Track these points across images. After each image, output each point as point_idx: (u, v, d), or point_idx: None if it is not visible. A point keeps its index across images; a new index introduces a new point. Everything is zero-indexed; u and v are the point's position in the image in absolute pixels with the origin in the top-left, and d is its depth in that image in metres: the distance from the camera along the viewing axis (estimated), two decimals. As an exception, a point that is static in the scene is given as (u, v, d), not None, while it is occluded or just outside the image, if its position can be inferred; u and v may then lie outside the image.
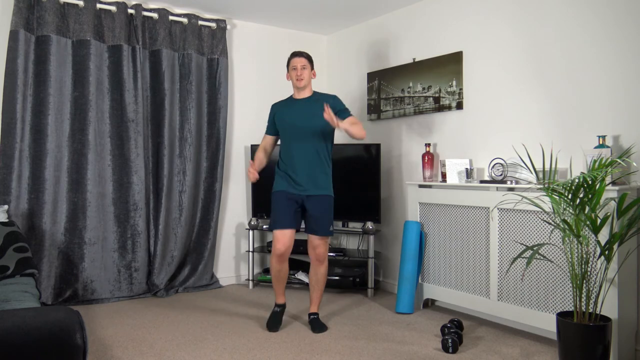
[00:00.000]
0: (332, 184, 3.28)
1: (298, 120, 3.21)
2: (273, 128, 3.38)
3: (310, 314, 3.31)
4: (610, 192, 2.59)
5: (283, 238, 3.17)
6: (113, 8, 3.85)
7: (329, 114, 2.91)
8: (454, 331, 2.92)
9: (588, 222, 2.44)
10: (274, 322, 3.25)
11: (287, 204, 3.20)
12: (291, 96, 3.35)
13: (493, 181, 3.23)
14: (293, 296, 4.06)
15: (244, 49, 4.62)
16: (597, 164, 2.45)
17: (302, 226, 3.34)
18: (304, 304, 3.83)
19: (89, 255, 3.77)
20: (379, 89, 4.39)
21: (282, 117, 3.29)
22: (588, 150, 2.83)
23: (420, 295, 3.70)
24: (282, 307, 3.34)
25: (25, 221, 3.56)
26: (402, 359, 2.73)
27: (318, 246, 3.23)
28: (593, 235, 2.55)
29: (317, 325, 3.23)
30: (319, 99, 3.26)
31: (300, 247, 4.34)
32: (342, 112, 3.21)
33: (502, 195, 3.11)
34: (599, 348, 2.37)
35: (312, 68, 3.30)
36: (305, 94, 3.29)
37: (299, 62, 3.25)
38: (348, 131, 3.00)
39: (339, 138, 4.88)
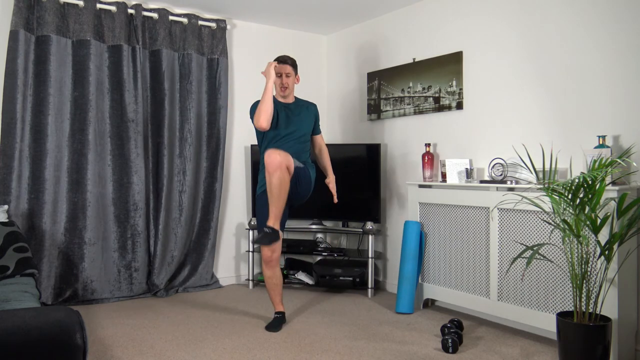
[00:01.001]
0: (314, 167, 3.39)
1: (291, 125, 3.28)
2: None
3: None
4: (610, 192, 2.59)
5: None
6: (113, 8, 3.85)
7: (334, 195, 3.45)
8: (454, 331, 2.92)
9: (588, 222, 2.44)
10: (273, 325, 3.24)
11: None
12: (274, 97, 3.38)
13: (493, 181, 3.23)
14: (293, 296, 4.06)
15: (244, 49, 4.62)
16: (597, 164, 2.45)
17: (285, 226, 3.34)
18: (304, 304, 3.83)
19: (89, 255, 3.77)
20: (379, 89, 4.38)
21: (276, 117, 3.29)
22: (588, 150, 2.83)
23: (420, 295, 3.70)
24: (282, 314, 3.33)
25: (25, 221, 3.56)
26: (402, 359, 2.73)
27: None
28: (593, 235, 2.55)
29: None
30: (303, 105, 3.43)
31: (300, 247, 4.35)
32: (318, 126, 3.52)
33: (502, 195, 3.11)
34: (599, 348, 2.37)
35: (296, 73, 3.37)
36: (290, 99, 3.39)
37: (284, 69, 3.29)
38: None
39: (339, 138, 4.88)
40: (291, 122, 3.29)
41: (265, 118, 3.11)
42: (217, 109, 4.33)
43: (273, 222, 3.01)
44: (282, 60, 3.29)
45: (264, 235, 3.01)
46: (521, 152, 3.32)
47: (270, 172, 2.91)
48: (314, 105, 3.48)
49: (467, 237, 3.38)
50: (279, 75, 3.28)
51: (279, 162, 2.89)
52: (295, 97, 3.42)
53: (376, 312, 3.63)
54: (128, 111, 3.91)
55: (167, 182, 4.08)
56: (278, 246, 3.20)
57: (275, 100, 3.34)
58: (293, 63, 3.32)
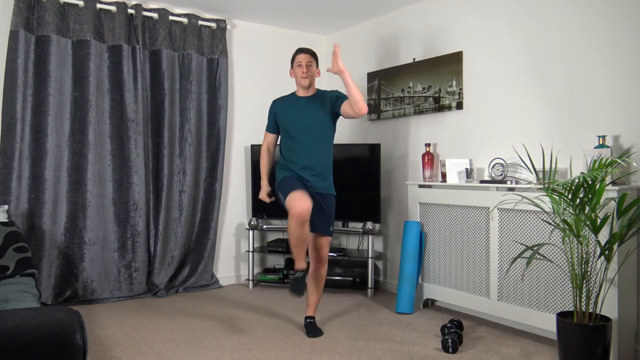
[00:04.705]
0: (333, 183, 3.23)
1: (302, 119, 3.11)
2: (274, 125, 3.24)
3: (307, 317, 3.21)
4: (610, 192, 2.59)
5: (301, 198, 2.86)
6: (113, 8, 3.85)
7: (336, 60, 2.85)
8: (454, 331, 2.92)
9: (588, 222, 2.44)
10: (297, 286, 2.98)
11: (299, 180, 3.06)
12: (294, 93, 3.23)
13: (493, 181, 3.23)
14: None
15: (244, 49, 4.62)
16: (597, 164, 2.45)
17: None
18: (304, 304, 3.83)
19: (89, 255, 3.77)
20: (379, 89, 4.39)
21: (284, 115, 3.17)
22: (588, 150, 2.83)
23: (420, 295, 3.70)
24: (304, 272, 3.05)
25: (25, 221, 3.56)
26: (402, 359, 2.73)
27: (322, 247, 3.16)
28: (593, 235, 2.55)
29: (312, 329, 3.14)
30: (322, 95, 3.18)
31: (300, 247, 4.34)
32: (340, 103, 3.09)
33: (502, 195, 3.11)
34: (599, 348, 2.37)
35: (317, 66, 3.20)
36: (310, 92, 3.18)
37: (305, 58, 3.13)
38: (345, 82, 2.87)
39: (340, 138, 4.88)
40: (306, 117, 3.11)
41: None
42: (217, 109, 4.33)
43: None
44: (303, 49, 3.17)
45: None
46: (521, 152, 3.31)
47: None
48: (335, 91, 3.19)
49: (467, 237, 3.38)
50: (299, 64, 3.14)
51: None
52: (317, 89, 3.22)
53: (376, 312, 3.63)
54: (128, 111, 3.91)
55: (167, 182, 4.08)
56: (310, 203, 2.91)
57: (291, 96, 3.23)
58: (314, 53, 3.19)
